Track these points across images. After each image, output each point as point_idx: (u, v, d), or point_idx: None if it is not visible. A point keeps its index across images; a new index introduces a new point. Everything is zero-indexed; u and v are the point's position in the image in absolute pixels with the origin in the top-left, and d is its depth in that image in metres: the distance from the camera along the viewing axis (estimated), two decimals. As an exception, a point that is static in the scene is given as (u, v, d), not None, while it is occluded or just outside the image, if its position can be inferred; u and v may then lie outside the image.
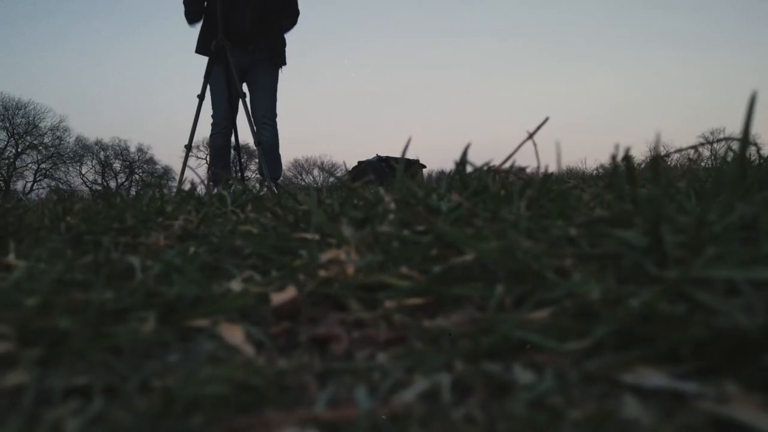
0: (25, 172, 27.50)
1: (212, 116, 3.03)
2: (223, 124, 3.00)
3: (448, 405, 0.26)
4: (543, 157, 0.80)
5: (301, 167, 31.29)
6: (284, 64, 3.05)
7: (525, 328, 0.31)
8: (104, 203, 0.94)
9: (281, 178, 3.16)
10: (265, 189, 0.98)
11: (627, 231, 0.42)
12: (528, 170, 0.84)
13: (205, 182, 1.08)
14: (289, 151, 34.75)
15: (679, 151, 0.98)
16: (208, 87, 2.95)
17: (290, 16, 2.99)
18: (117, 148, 30.22)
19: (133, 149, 30.58)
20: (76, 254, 0.56)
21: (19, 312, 0.33)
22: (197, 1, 2.93)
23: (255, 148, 3.07)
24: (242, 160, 3.43)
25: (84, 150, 29.26)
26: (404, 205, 0.64)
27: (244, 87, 3.02)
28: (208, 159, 3.50)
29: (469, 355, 0.30)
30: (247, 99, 3.04)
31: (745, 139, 0.48)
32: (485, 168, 0.82)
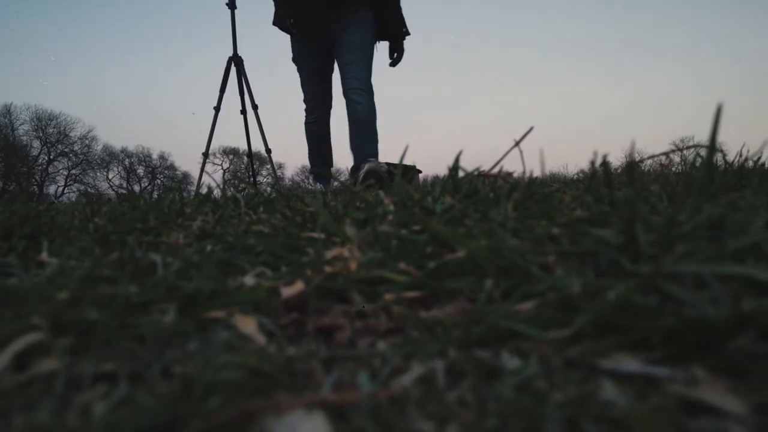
0: (56, 178, 27.50)
1: (304, 101, 2.44)
2: (317, 109, 2.41)
3: (442, 389, 0.26)
4: (528, 162, 0.80)
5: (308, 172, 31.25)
6: None
7: (512, 318, 0.31)
8: (129, 205, 0.94)
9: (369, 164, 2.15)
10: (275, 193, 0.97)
11: (604, 230, 0.42)
12: (514, 175, 0.84)
13: (221, 187, 1.07)
14: (295, 158, 34.75)
15: (652, 157, 0.98)
16: (297, 66, 2.41)
17: None
18: (141, 155, 30.24)
19: (155, 156, 30.61)
20: (103, 252, 0.56)
21: (51, 305, 0.33)
22: None
23: (266, 155, 3.06)
24: (254, 166, 3.43)
25: (110, 157, 29.27)
26: (402, 207, 0.64)
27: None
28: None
29: (461, 343, 0.30)
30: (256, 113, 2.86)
31: (712, 146, 0.48)
32: (476, 173, 0.82)
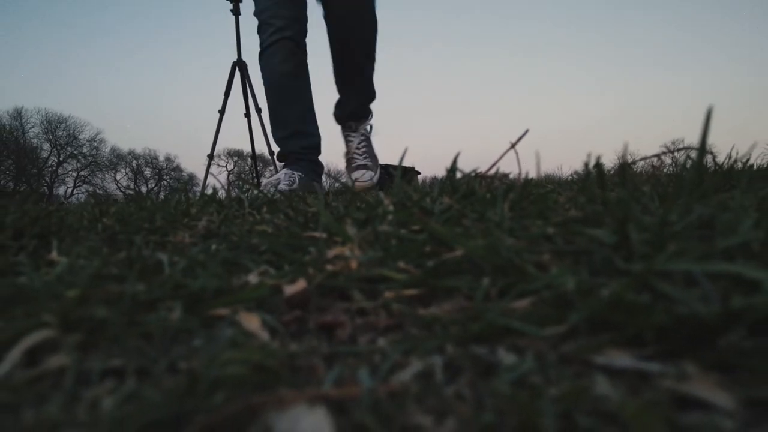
0: (66, 179, 27.53)
1: (256, 13, 1.47)
2: (286, 25, 1.40)
3: (440, 384, 0.26)
4: (524, 164, 0.80)
5: (310, 174, 31.17)
6: None
7: (508, 315, 0.31)
8: (136, 206, 0.94)
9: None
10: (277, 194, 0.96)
11: (598, 230, 0.42)
12: (511, 176, 0.84)
13: (226, 188, 1.07)
14: (299, 160, 34.63)
15: (644, 159, 0.98)
16: None
17: None
18: (147, 157, 30.28)
19: (161, 158, 30.65)
20: (111, 251, 0.56)
21: (61, 302, 0.33)
22: None
23: (269, 157, 3.04)
24: (258, 168, 3.43)
25: (118, 159, 29.31)
26: (401, 207, 0.64)
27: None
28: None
29: (458, 339, 0.30)
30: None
31: (703, 148, 0.48)
32: (473, 174, 0.82)
